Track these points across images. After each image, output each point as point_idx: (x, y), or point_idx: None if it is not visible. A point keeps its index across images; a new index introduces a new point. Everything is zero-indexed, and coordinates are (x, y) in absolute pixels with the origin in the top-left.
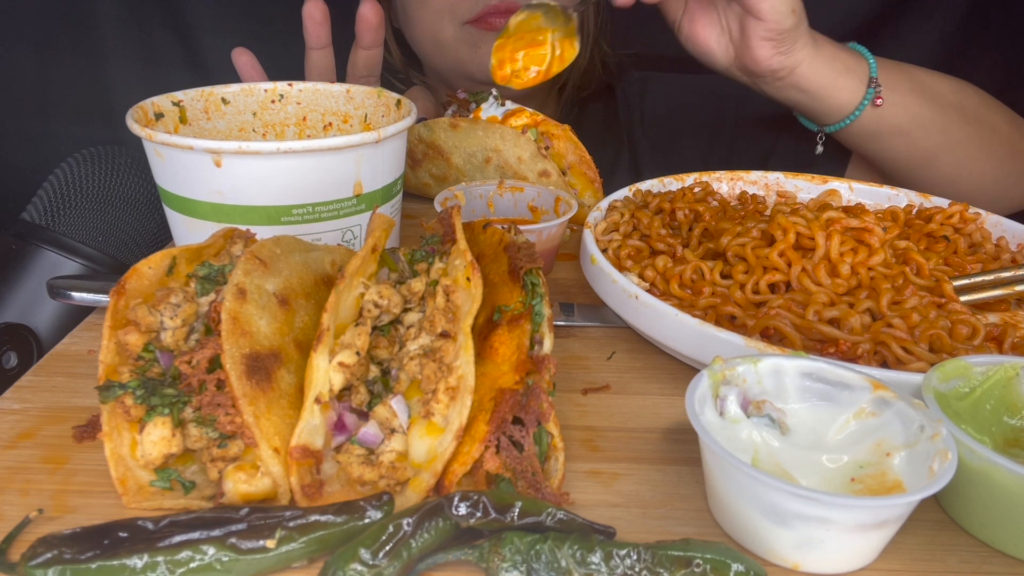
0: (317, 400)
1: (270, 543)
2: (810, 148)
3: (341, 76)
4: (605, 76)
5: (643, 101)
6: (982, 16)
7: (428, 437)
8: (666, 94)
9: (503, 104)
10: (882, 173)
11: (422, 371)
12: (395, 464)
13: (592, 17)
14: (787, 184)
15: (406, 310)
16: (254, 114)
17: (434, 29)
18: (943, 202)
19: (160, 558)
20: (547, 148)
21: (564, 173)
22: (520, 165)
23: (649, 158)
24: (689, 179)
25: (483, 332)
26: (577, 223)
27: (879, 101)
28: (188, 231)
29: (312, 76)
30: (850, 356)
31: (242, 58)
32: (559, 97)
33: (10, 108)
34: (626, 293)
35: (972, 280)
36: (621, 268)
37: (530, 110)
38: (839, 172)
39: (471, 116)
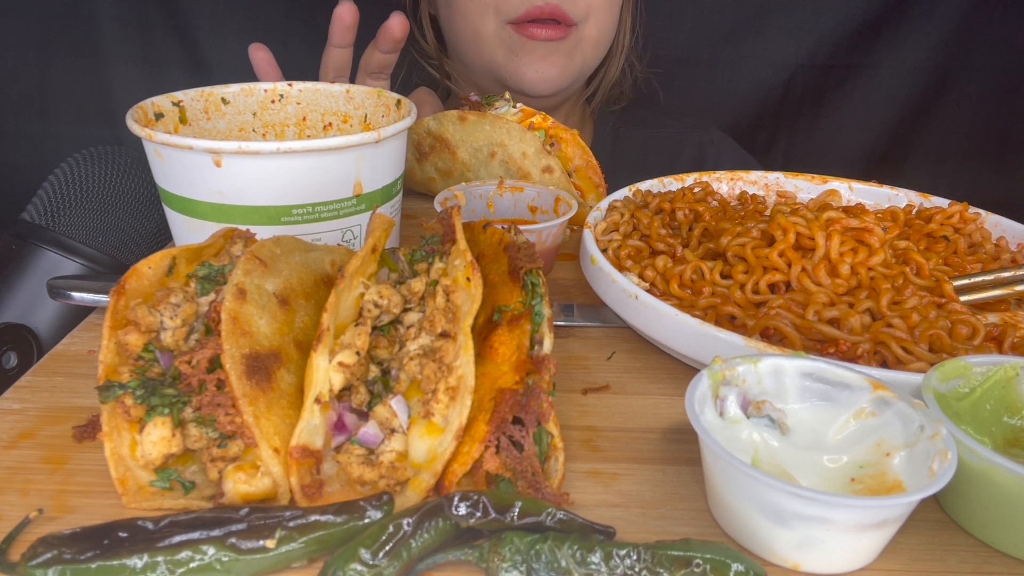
0: (317, 400)
1: (270, 543)
2: None
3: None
4: (631, 91)
5: (719, 157)
6: (982, 16)
7: (428, 437)
8: (736, 162)
9: (515, 107)
10: None
11: (422, 371)
12: (395, 464)
13: (628, 32)
14: (787, 184)
15: (406, 310)
16: (254, 114)
17: (476, 22)
18: (943, 202)
19: (160, 558)
20: (552, 145)
21: (569, 175)
22: (524, 160)
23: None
24: (689, 179)
25: (483, 332)
26: (577, 223)
27: None
28: (188, 231)
29: (327, 71)
30: (850, 356)
31: (259, 54)
32: (585, 108)
33: (10, 108)
34: (626, 293)
35: (972, 280)
36: (621, 268)
37: (541, 114)
38: None
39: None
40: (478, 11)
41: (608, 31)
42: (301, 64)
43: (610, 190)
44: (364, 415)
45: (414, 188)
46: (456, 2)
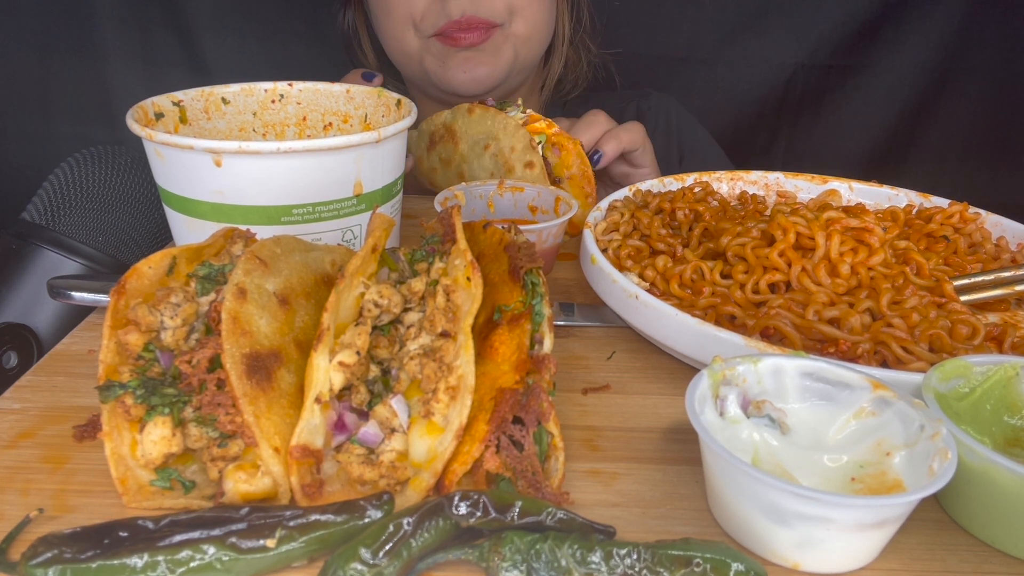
0: (317, 400)
1: (270, 542)
2: None
3: (331, 74)
4: (590, 75)
5: (669, 121)
6: (982, 16)
7: (428, 437)
8: (692, 122)
9: (524, 112)
10: None
11: (422, 371)
12: (395, 464)
13: (567, 21)
14: (787, 184)
15: (406, 310)
16: (254, 114)
17: (400, 39)
18: (943, 202)
19: (160, 557)
20: (539, 144)
21: (559, 181)
22: (512, 154)
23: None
24: (689, 179)
25: (483, 332)
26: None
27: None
28: (188, 231)
29: None
30: (850, 356)
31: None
32: (539, 96)
33: (10, 108)
34: (626, 293)
35: (972, 280)
36: (621, 268)
37: (547, 121)
38: None
39: None
40: (399, 29)
41: (541, 25)
42: (301, 64)
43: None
44: (364, 415)
45: (419, 177)
46: (380, 22)
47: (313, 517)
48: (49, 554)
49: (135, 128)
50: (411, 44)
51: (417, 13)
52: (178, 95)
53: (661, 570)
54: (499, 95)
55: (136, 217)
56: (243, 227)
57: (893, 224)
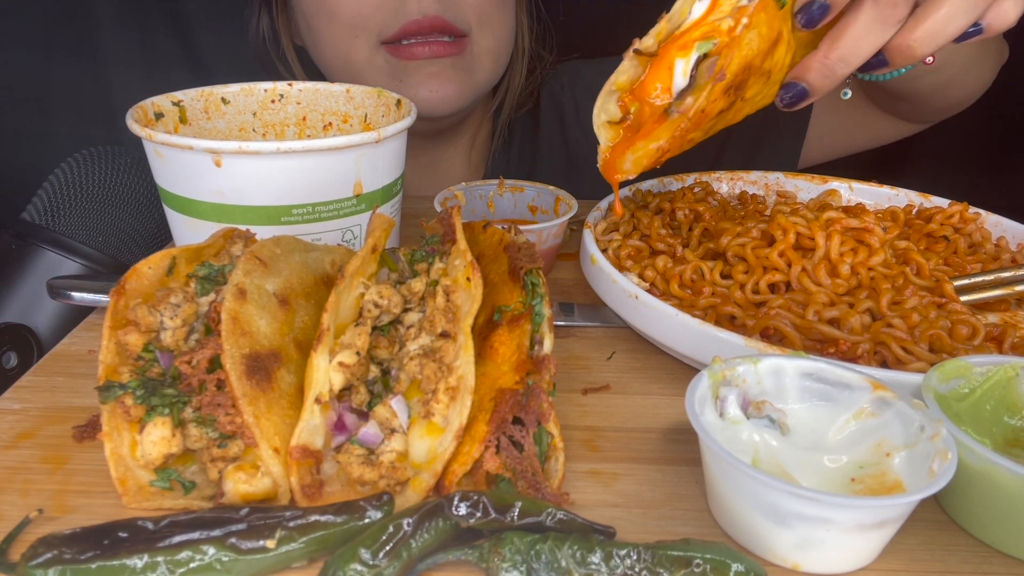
0: (317, 400)
1: (270, 543)
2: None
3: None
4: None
5: (575, 90)
6: None
7: (428, 437)
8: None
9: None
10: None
11: (422, 371)
12: (395, 464)
13: (526, 34)
14: (787, 184)
15: (406, 310)
16: (254, 114)
17: (346, 49)
18: (943, 202)
19: (160, 558)
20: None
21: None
22: None
23: (591, 150)
24: (689, 179)
25: (483, 332)
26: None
27: (930, 60)
28: (188, 231)
29: None
30: (850, 356)
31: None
32: (495, 119)
33: (10, 108)
34: (626, 293)
35: (972, 280)
36: (621, 268)
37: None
38: (801, 127)
39: None
40: (344, 36)
41: (506, 38)
42: None
43: (516, 176)
44: (364, 415)
45: None
46: (317, 29)
47: (313, 518)
48: (49, 555)
49: (135, 128)
50: (359, 55)
51: (368, 11)
52: (178, 95)
53: (661, 571)
54: (460, 118)
55: (136, 217)
56: (243, 227)
57: (893, 224)
